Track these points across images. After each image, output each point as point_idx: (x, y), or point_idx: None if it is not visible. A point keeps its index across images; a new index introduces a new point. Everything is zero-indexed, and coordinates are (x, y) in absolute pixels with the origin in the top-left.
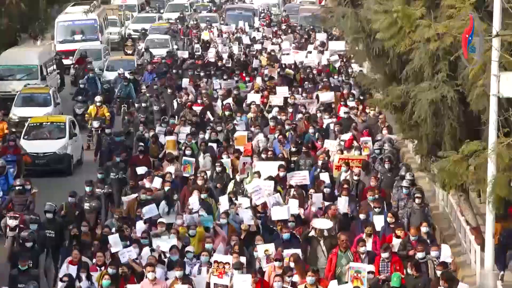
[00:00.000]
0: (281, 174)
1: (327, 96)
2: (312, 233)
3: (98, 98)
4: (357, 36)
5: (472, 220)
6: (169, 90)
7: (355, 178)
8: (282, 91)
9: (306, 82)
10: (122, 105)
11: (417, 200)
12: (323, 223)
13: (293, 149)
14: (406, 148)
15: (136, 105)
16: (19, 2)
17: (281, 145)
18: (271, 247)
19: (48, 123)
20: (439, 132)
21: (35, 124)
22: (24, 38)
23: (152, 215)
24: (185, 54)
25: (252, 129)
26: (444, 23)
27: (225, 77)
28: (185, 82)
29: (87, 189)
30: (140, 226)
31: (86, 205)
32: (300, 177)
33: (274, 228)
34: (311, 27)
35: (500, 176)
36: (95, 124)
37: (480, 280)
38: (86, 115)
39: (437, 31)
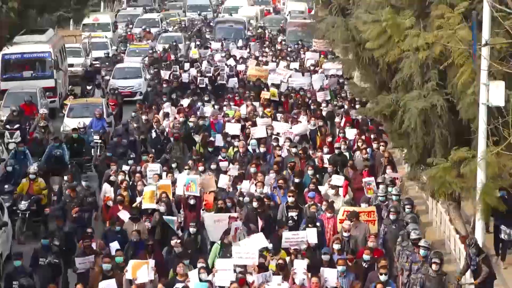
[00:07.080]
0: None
1: (300, 128)
2: None
3: (32, 169)
4: (346, 45)
5: (462, 228)
6: (143, 117)
7: (345, 234)
8: (265, 121)
9: (295, 107)
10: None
11: (434, 266)
12: None
13: (291, 200)
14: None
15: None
16: (8, 11)
17: (282, 191)
18: None
19: None
20: (429, 140)
21: None
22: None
23: None
24: (166, 76)
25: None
26: (433, 33)
27: (212, 102)
28: (167, 106)
29: (16, 263)
30: None
31: (14, 284)
32: (298, 239)
33: None
34: (300, 42)
35: (489, 185)
36: (22, 205)
37: None
38: (15, 194)
39: (426, 40)
